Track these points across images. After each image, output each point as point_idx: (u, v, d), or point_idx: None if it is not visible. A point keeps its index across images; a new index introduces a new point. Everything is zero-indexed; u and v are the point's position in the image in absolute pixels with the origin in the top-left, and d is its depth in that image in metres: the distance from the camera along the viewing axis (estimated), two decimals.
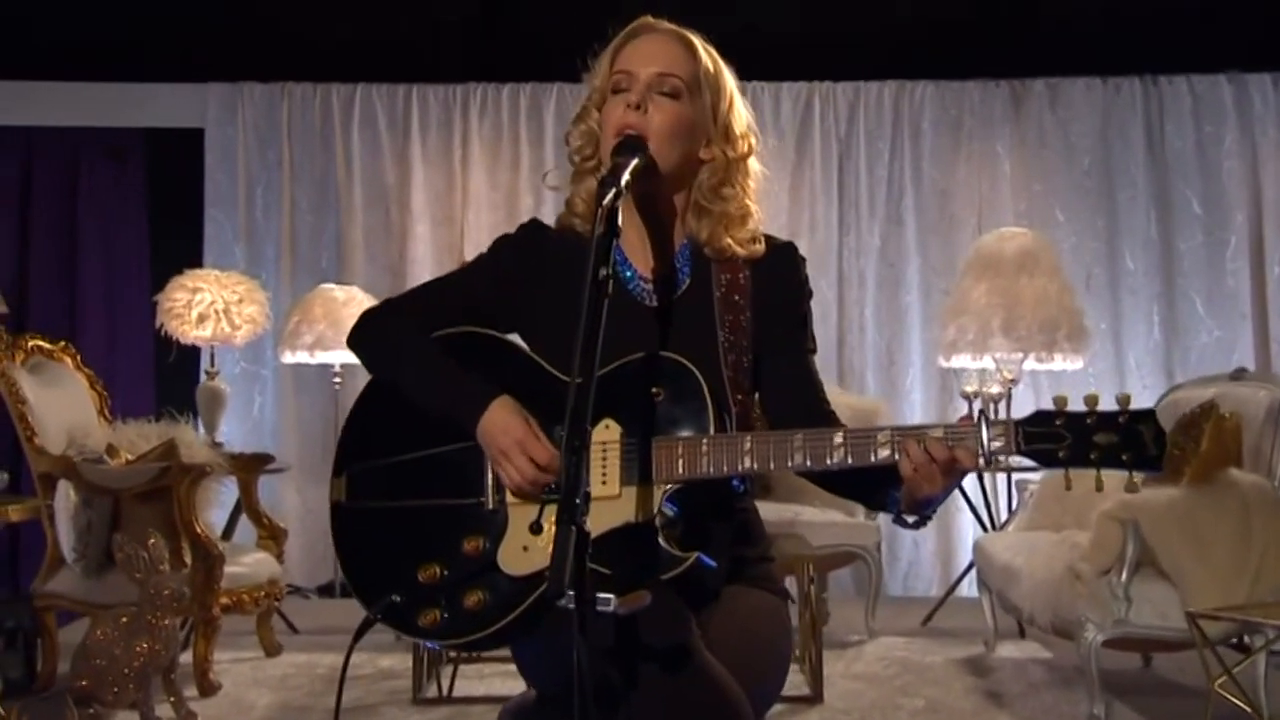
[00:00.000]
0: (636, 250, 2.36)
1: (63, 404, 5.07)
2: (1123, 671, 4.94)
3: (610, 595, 1.87)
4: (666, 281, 2.34)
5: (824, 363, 7.07)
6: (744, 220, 2.35)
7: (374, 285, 6.76)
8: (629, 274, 2.35)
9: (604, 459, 2.18)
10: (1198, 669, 3.93)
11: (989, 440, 2.07)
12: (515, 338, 2.43)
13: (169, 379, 6.63)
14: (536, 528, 1.99)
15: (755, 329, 2.32)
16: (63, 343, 5.28)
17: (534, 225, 2.45)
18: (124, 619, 4.36)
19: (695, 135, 2.31)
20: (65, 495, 4.76)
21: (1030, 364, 6.16)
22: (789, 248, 2.41)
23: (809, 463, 2.14)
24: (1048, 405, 2.08)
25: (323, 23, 7.07)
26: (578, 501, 1.81)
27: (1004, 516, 6.09)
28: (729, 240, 2.33)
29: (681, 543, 2.15)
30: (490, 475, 2.24)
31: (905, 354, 7.18)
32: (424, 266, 7.08)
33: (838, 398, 5.81)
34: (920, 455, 2.06)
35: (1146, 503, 4.13)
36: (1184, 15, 6.96)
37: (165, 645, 4.37)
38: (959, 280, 6.34)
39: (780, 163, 7.23)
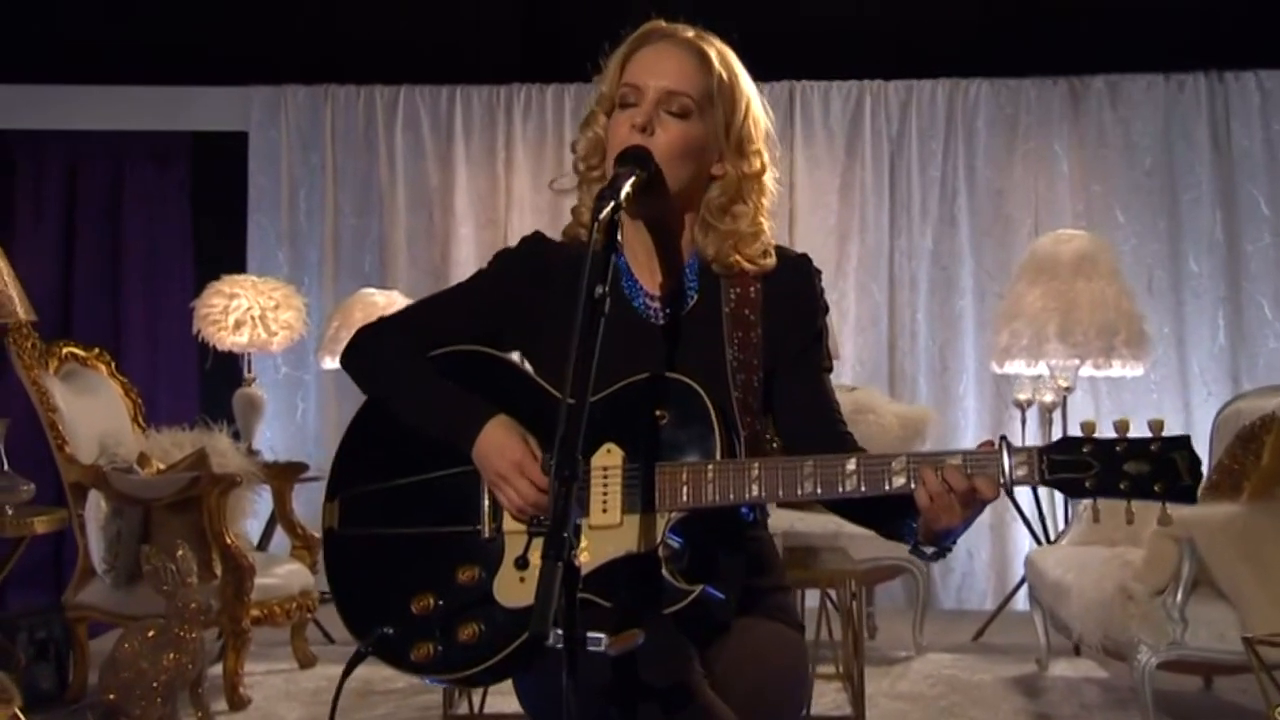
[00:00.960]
0: (643, 266, 2.24)
1: (96, 412, 5.02)
2: (1181, 694, 4.75)
3: (601, 635, 1.76)
4: (674, 298, 2.22)
5: (874, 368, 6.93)
6: (755, 237, 2.21)
7: (416, 289, 6.68)
8: (635, 291, 2.23)
9: (605, 485, 2.06)
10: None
11: (1011, 468, 1.93)
12: (517, 357, 2.33)
13: (214, 385, 6.59)
14: (522, 562, 1.87)
15: (767, 346, 2.19)
16: (97, 350, 5.24)
17: (537, 238, 2.34)
18: (151, 632, 4.30)
19: (705, 154, 2.18)
20: (96, 505, 4.71)
21: (1088, 370, 5.96)
22: (803, 260, 2.27)
23: (819, 491, 2.01)
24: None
25: (365, 24, 7.00)
26: (566, 535, 1.69)
27: (1061, 526, 5.90)
28: (738, 257, 2.19)
29: (687, 574, 2.03)
30: (486, 502, 2.13)
31: (959, 359, 7.00)
32: (467, 269, 6.96)
33: (886, 406, 5.76)
34: (937, 485, 1.92)
35: (1203, 519, 3.95)
36: (1250, 8, 6.72)
37: (192, 659, 4.31)
38: (1012, 284, 6.15)
39: (830, 163, 7.08)
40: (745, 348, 2.18)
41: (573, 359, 1.83)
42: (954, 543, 2.05)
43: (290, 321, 5.84)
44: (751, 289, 2.21)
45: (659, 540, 2.02)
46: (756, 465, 2.03)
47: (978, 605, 6.78)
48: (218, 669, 4.76)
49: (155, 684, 4.26)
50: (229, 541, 4.66)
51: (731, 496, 2.02)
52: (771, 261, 2.22)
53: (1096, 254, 5.98)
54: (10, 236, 7.09)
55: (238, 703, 4.65)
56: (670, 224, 2.22)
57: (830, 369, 2.28)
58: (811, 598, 5.00)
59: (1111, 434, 1.93)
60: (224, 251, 6.96)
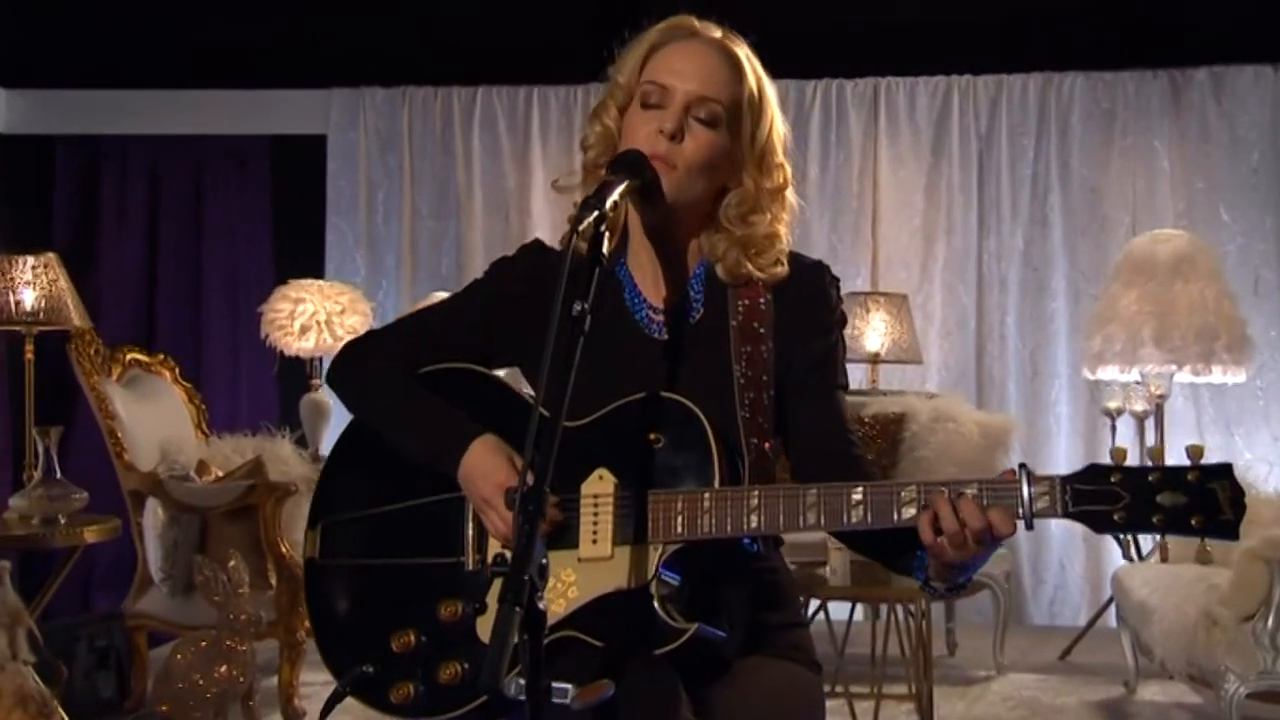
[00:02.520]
0: (646, 275, 2.08)
1: (158, 418, 4.99)
2: None
3: (568, 686, 1.61)
4: (678, 311, 2.06)
5: (960, 373, 6.70)
6: (769, 243, 2.04)
7: None
8: (638, 303, 2.08)
9: (595, 514, 1.92)
10: None
11: (1031, 499, 1.75)
12: (517, 373, 2.20)
13: (286, 390, 6.56)
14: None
15: (778, 361, 2.02)
16: (161, 355, 5.22)
17: (536, 247, 2.19)
18: (203, 643, 4.25)
19: (728, 167, 2.01)
20: (153, 513, 4.68)
21: (1186, 377, 5.67)
22: (818, 268, 2.10)
23: (823, 522, 1.84)
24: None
25: (443, 26, 6.93)
26: (526, 578, 1.54)
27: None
28: (749, 265, 2.02)
29: (686, 610, 1.88)
30: (471, 531, 1.99)
31: (1050, 364, 6.73)
32: None
33: (967, 414, 5.52)
34: (950, 520, 1.75)
35: None
36: None
37: (243, 671, 4.24)
38: (1106, 286, 5.88)
39: (915, 162, 6.87)
40: (754, 363, 2.02)
41: (543, 380, 1.69)
42: (968, 580, 1.87)
43: (356, 326, 5.77)
44: (761, 300, 2.04)
45: (651, 574, 1.87)
46: (756, 494, 1.86)
47: (1070, 621, 6.50)
48: (273, 680, 4.70)
49: (208, 695, 4.21)
50: (284, 551, 4.59)
51: (729, 528, 1.86)
52: (783, 270, 2.05)
53: (1196, 254, 5.68)
54: (95, 241, 7.17)
55: (292, 715, 4.58)
56: (676, 233, 2.06)
57: (846, 386, 2.10)
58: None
59: (1146, 463, 1.74)
60: (302, 255, 6.94)
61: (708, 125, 1.97)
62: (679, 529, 1.87)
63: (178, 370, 5.24)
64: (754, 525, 1.86)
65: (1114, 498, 1.73)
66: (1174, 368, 5.55)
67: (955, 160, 6.84)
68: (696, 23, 2.06)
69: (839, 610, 4.78)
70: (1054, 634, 6.13)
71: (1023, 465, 1.77)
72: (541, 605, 1.57)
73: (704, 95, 1.97)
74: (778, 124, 2.05)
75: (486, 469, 1.94)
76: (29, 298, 4.71)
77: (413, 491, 2.03)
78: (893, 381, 6.54)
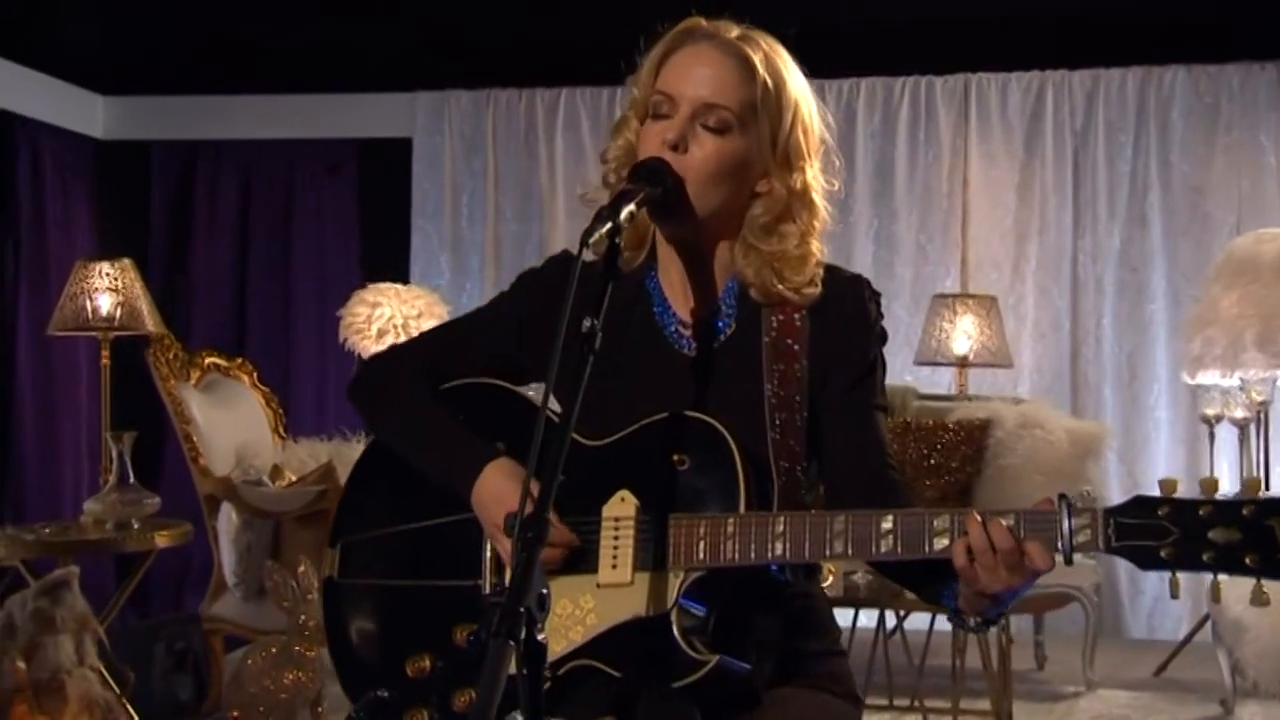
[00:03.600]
0: (677, 290, 1.99)
1: (235, 422, 5.02)
2: None
3: None
4: (708, 326, 1.97)
5: (1054, 377, 6.52)
6: (802, 261, 1.92)
7: None
8: (667, 317, 1.99)
9: (616, 538, 1.84)
10: None
11: (1072, 532, 1.64)
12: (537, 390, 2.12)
13: None
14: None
15: (812, 380, 1.93)
16: (240, 359, 5.25)
17: (564, 258, 2.11)
18: (273, 648, 4.25)
19: (746, 171, 1.90)
20: (228, 517, 4.70)
21: None
22: (857, 282, 1.98)
23: (850, 551, 1.75)
24: None
25: (526, 27, 6.90)
26: (524, 609, 1.47)
27: None
28: (780, 286, 1.91)
29: (712, 640, 1.79)
30: (488, 555, 1.93)
31: (1149, 368, 6.51)
32: None
33: (1056, 421, 5.34)
34: (980, 540, 1.65)
35: None
36: None
37: (311, 677, 4.23)
38: (1207, 287, 5.66)
39: (1007, 160, 6.70)
40: (787, 382, 1.92)
41: (544, 398, 1.62)
42: (1001, 614, 1.76)
43: None
44: (796, 316, 1.94)
45: (671, 603, 1.79)
46: (782, 520, 1.77)
47: (1170, 635, 6.26)
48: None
49: (278, 701, 4.21)
50: None
51: (753, 555, 1.77)
52: (817, 291, 1.94)
53: None
54: (189, 244, 7.26)
55: None
56: (703, 245, 1.96)
57: (886, 408, 1.99)
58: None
59: (1197, 495, 1.62)
60: (388, 258, 6.95)
61: (716, 133, 1.87)
62: (701, 555, 1.79)
63: (257, 374, 5.26)
64: (779, 553, 1.77)
65: (1162, 532, 1.62)
66: (1277, 373, 5.32)
67: (1049, 158, 6.65)
68: (707, 24, 1.94)
69: (919, 621, 4.66)
70: (1151, 648, 5.93)
71: (1063, 496, 1.66)
72: (541, 638, 1.50)
73: (710, 102, 1.87)
74: (805, 121, 1.93)
75: (499, 494, 1.87)
76: (106, 303, 4.76)
77: (432, 511, 1.97)
78: (983, 386, 6.39)
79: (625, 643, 1.80)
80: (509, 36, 6.98)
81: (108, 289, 4.75)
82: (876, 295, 2.00)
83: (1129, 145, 6.60)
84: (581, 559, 1.84)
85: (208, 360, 5.09)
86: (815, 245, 1.95)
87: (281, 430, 5.21)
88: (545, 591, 1.51)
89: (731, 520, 1.78)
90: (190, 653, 4.86)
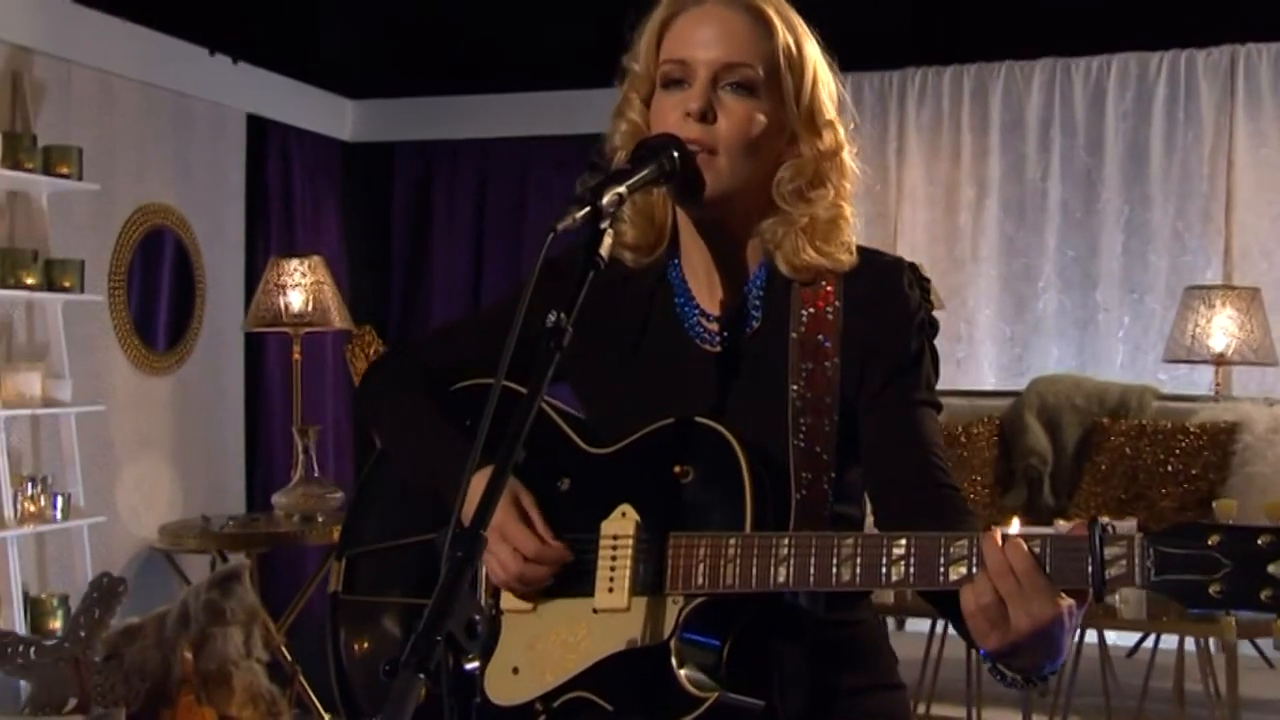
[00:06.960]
0: (701, 280, 1.78)
1: None
2: None
3: None
4: (734, 319, 1.76)
5: None
6: (834, 225, 1.72)
7: None
8: (689, 311, 1.79)
9: (614, 558, 1.65)
10: None
11: (1103, 561, 1.36)
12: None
13: None
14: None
15: (844, 380, 1.69)
16: None
17: (583, 246, 1.93)
18: None
19: (776, 137, 1.70)
20: None
21: None
22: (897, 266, 1.74)
23: (859, 580, 1.52)
24: None
25: None
26: (439, 638, 1.31)
27: None
28: (811, 252, 1.70)
29: (717, 673, 1.59)
30: (483, 570, 1.77)
31: None
32: None
33: None
34: (998, 560, 1.40)
35: None
36: None
37: None
38: None
39: (1278, 139, 6.07)
40: (815, 382, 1.69)
41: (491, 401, 1.46)
42: (1042, 673, 1.47)
43: None
44: (829, 309, 1.71)
45: (669, 632, 1.60)
46: (786, 543, 1.55)
47: None
48: None
49: None
50: None
51: (754, 581, 1.56)
52: (850, 259, 1.71)
53: None
54: (428, 243, 7.39)
55: None
56: (731, 224, 1.75)
57: (935, 405, 1.73)
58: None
59: (1253, 523, 1.32)
60: None
61: (743, 94, 1.67)
62: (699, 580, 1.59)
63: None
64: (781, 580, 1.55)
65: (1212, 565, 1.33)
66: None
67: None
68: None
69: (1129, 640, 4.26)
70: None
71: (1094, 520, 1.38)
72: (469, 667, 1.35)
73: (731, 61, 1.67)
74: (823, 77, 1.73)
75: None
76: (297, 300, 4.84)
77: (432, 525, 1.82)
78: (1249, 386, 5.84)
79: (620, 674, 1.62)
80: None
81: (298, 285, 4.82)
82: (923, 280, 1.75)
83: None
84: (580, 580, 1.67)
85: None
86: (848, 209, 1.74)
87: None
88: (476, 619, 1.35)
89: (734, 540, 1.58)
90: None
